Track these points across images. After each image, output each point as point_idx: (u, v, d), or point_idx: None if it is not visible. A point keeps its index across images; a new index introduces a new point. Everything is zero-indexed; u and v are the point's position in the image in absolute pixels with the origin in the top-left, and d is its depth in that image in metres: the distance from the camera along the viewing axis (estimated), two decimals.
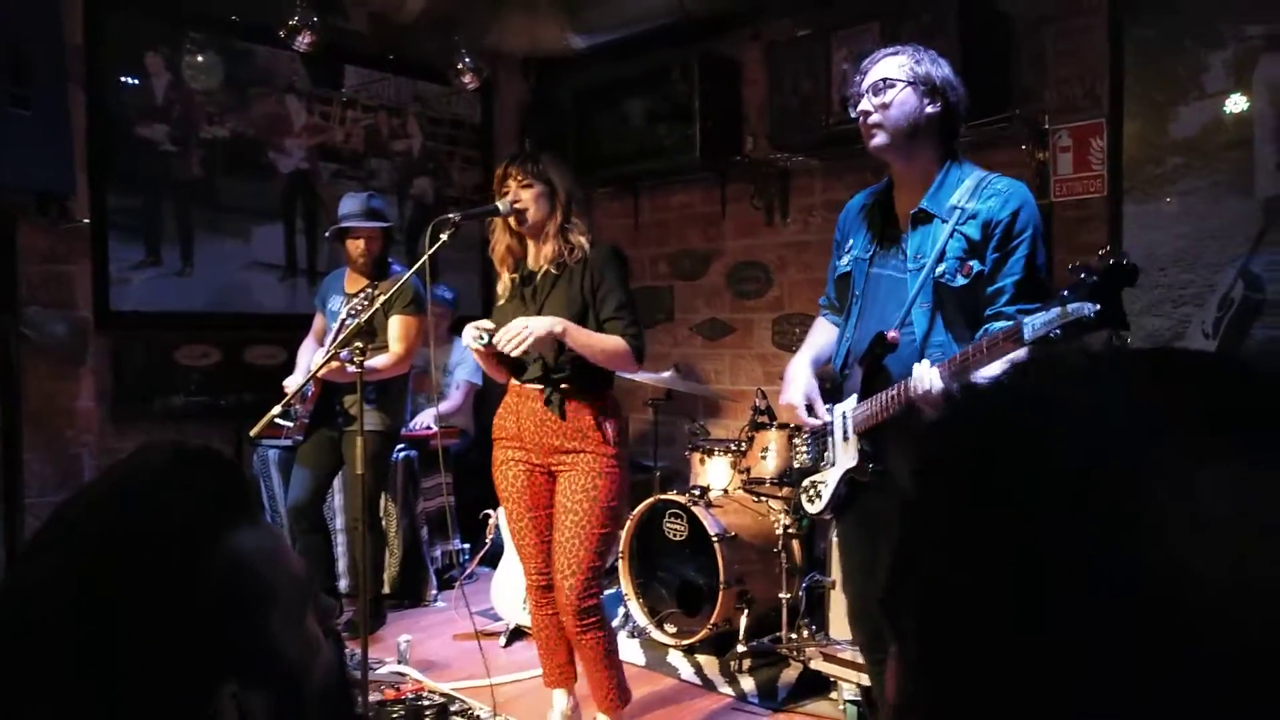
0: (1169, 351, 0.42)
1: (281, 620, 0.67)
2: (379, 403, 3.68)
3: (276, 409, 3.09)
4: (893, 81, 2.01)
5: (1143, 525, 0.34)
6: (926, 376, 1.89)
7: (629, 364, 2.57)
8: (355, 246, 3.68)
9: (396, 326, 3.59)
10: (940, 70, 2.04)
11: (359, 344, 2.83)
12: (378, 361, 3.48)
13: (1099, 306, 1.61)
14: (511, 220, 2.59)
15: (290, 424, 3.60)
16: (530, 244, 2.65)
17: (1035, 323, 1.69)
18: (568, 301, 2.54)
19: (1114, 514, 0.35)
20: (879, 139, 2.05)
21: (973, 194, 2.02)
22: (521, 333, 2.39)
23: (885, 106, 2.01)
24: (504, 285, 2.72)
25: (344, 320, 3.37)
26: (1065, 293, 1.65)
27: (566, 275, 2.57)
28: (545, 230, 2.57)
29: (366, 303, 3.26)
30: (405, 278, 3.06)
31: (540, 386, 2.60)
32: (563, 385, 2.57)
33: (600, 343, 2.51)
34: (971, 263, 2.00)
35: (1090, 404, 0.39)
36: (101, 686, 0.60)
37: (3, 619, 0.62)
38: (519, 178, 2.56)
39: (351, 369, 2.72)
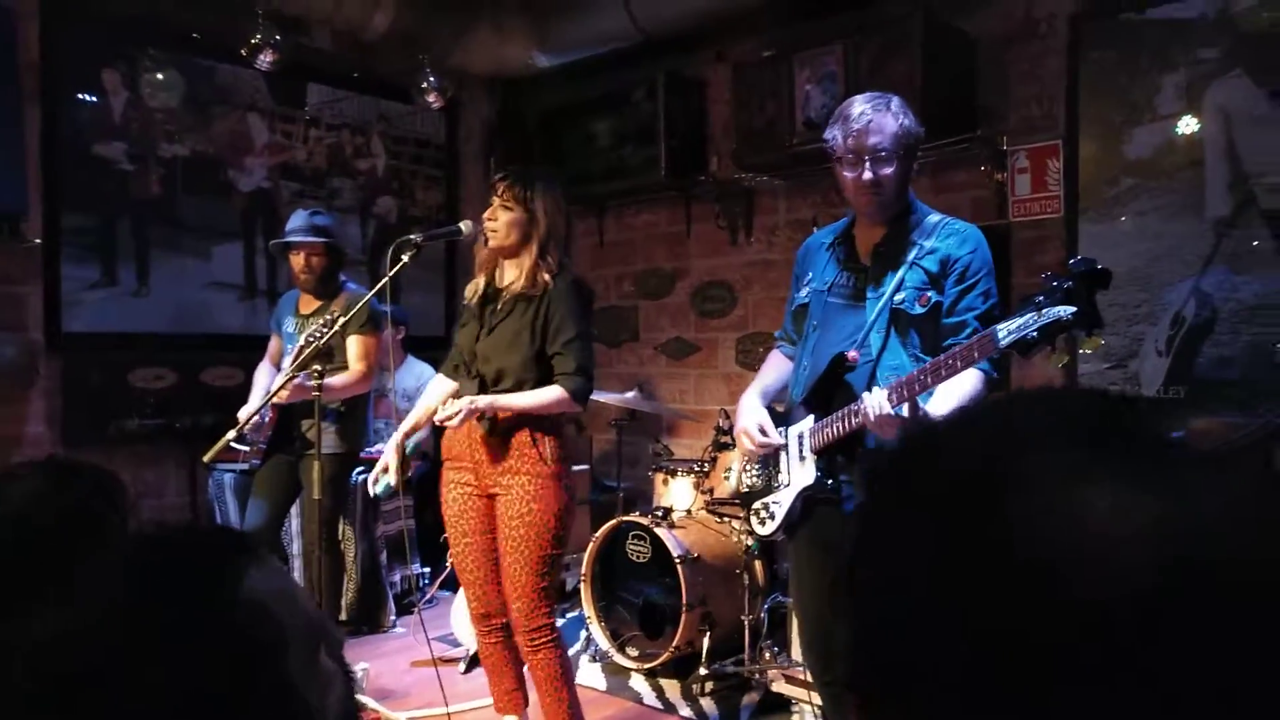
0: (1062, 390, 0.51)
1: (297, 660, 0.66)
2: (339, 425, 3.62)
3: (231, 434, 3.04)
4: (891, 155, 2.04)
5: (1012, 507, 0.42)
6: (877, 399, 1.93)
7: (569, 408, 2.53)
8: (296, 261, 3.61)
9: (355, 346, 3.55)
10: (916, 126, 2.09)
11: (316, 366, 2.80)
12: (337, 380, 3.43)
13: (1075, 309, 1.65)
14: (488, 238, 2.56)
15: (247, 448, 3.53)
16: (505, 263, 2.61)
17: (1010, 327, 1.72)
18: (513, 333, 2.52)
19: (993, 502, 0.42)
20: (875, 207, 2.11)
21: (931, 232, 2.11)
22: (459, 415, 2.41)
23: (888, 178, 2.05)
24: (471, 290, 2.68)
25: (302, 345, 3.32)
26: (1040, 298, 1.68)
27: (522, 306, 2.54)
28: (517, 256, 2.55)
29: (327, 329, 3.22)
30: (366, 298, 3.03)
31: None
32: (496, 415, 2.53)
33: (534, 400, 2.48)
34: (930, 293, 2.07)
35: (990, 423, 0.48)
36: None
37: (27, 668, 0.59)
38: (504, 198, 2.53)
39: (310, 384, 2.69)
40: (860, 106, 2.07)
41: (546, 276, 2.52)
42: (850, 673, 0.47)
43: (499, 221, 2.52)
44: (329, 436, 3.47)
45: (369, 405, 3.87)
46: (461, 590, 3.69)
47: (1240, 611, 0.38)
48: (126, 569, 0.63)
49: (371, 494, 2.71)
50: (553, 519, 2.50)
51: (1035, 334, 1.68)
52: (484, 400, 2.46)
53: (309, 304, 3.61)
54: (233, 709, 0.61)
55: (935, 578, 0.42)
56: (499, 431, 2.52)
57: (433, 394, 2.75)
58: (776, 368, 2.40)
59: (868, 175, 2.04)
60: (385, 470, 2.65)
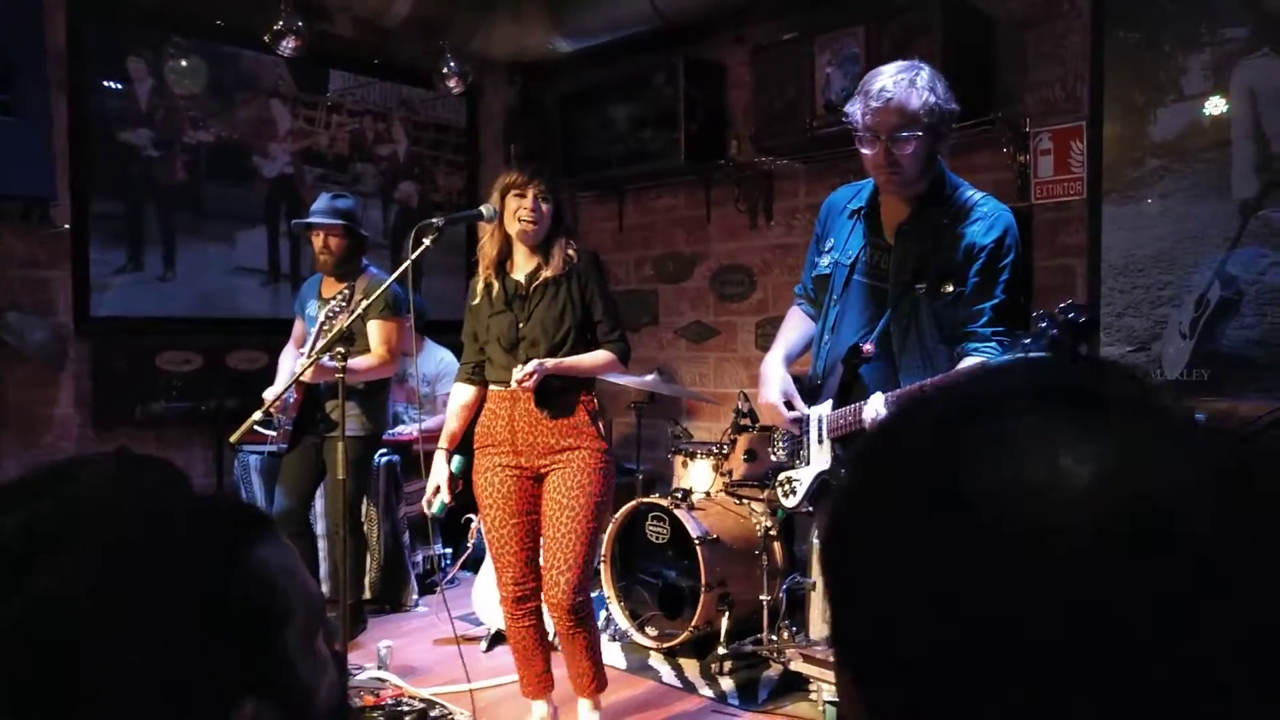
0: (1042, 359, 0.54)
1: (297, 639, 0.67)
2: (361, 407, 3.66)
3: (258, 414, 3.08)
4: (913, 134, 1.97)
5: (973, 458, 0.43)
6: (875, 406, 1.94)
7: (617, 369, 2.76)
8: (316, 242, 3.67)
9: (376, 331, 3.59)
10: (949, 99, 2.02)
11: (339, 349, 2.83)
12: (360, 362, 3.47)
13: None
14: (515, 228, 2.63)
15: (274, 432, 3.57)
16: (520, 253, 2.69)
17: None
18: (561, 311, 2.64)
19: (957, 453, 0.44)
20: (895, 186, 2.07)
21: (960, 214, 2.04)
22: (534, 376, 2.54)
23: (908, 157, 1.99)
24: (480, 286, 2.75)
25: (322, 324, 3.36)
26: (1028, 340, 1.70)
27: (553, 288, 2.65)
28: (549, 243, 2.66)
29: (344, 303, 3.27)
30: (388, 283, 3.06)
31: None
32: (554, 384, 2.62)
33: (589, 362, 2.67)
34: (952, 282, 2.02)
35: (947, 396, 0.49)
36: (123, 700, 0.59)
37: (28, 626, 0.60)
38: (539, 192, 2.63)
39: (333, 364, 2.74)
40: (883, 81, 1.99)
41: (572, 251, 2.70)
42: (836, 650, 0.49)
43: (543, 212, 2.63)
44: (352, 419, 3.51)
45: (390, 388, 3.91)
46: (484, 570, 3.75)
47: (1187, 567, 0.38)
48: (131, 536, 0.64)
49: (429, 515, 2.84)
50: (605, 493, 2.66)
51: None
52: (551, 362, 2.59)
53: (331, 287, 3.65)
54: (228, 673, 0.62)
55: (896, 551, 0.43)
56: (558, 410, 2.62)
57: (454, 404, 2.82)
58: (798, 326, 2.37)
59: (885, 154, 2.00)
60: (437, 491, 2.75)
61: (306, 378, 3.19)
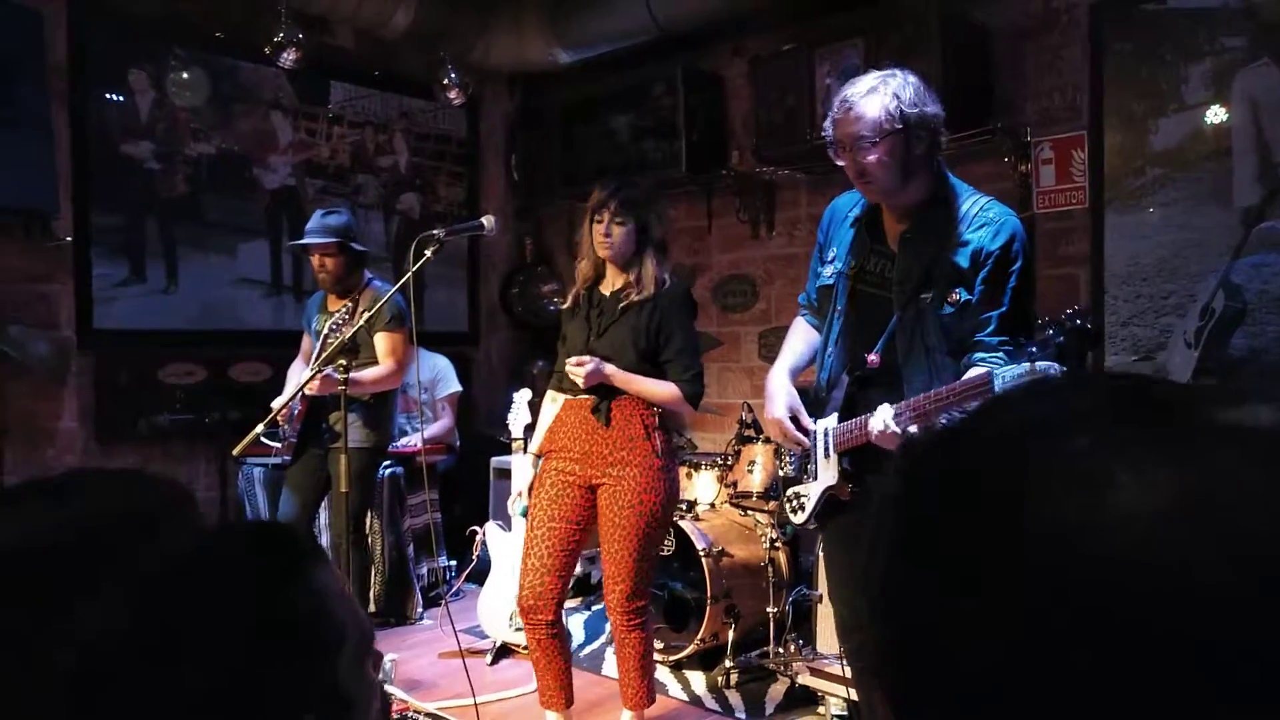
0: (1098, 373, 0.51)
1: (350, 662, 0.67)
2: (365, 419, 3.65)
3: (260, 426, 3.08)
4: (874, 139, 1.93)
5: (1050, 491, 0.40)
6: (878, 419, 1.92)
7: (680, 406, 2.72)
8: (314, 261, 3.62)
9: (383, 343, 3.57)
10: (924, 103, 1.97)
11: (341, 361, 2.83)
12: (366, 374, 3.46)
13: (1063, 370, 1.68)
14: (597, 249, 2.69)
15: (278, 444, 3.57)
16: (611, 270, 2.75)
17: (1006, 376, 1.76)
18: (629, 334, 2.66)
19: (1035, 482, 0.41)
20: (874, 195, 2.06)
21: (964, 221, 2.00)
22: (588, 366, 2.60)
23: (874, 165, 1.95)
24: (572, 299, 2.83)
25: (325, 338, 3.35)
26: (1034, 349, 1.70)
27: (634, 309, 2.68)
28: (636, 263, 2.68)
29: (347, 316, 3.26)
30: (390, 294, 3.06)
31: (591, 396, 2.69)
32: (615, 395, 2.66)
33: (651, 387, 2.66)
34: (958, 290, 1.98)
35: (1025, 408, 0.47)
36: None
37: (83, 671, 0.60)
38: (616, 214, 2.65)
39: (336, 376, 2.74)
40: (847, 91, 1.98)
41: (651, 277, 2.68)
42: (884, 676, 0.47)
43: (616, 234, 2.65)
44: (356, 430, 3.50)
45: (395, 400, 3.90)
46: (489, 582, 3.74)
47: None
48: (187, 561, 0.64)
49: (514, 515, 2.91)
50: (660, 508, 2.66)
51: None
52: (610, 368, 2.62)
53: (335, 302, 3.64)
54: (287, 697, 0.62)
55: (966, 574, 0.41)
56: (613, 422, 2.65)
57: (547, 412, 2.86)
58: (803, 338, 2.34)
59: (853, 163, 1.97)
60: (520, 495, 2.85)
61: (311, 390, 3.19)
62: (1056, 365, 1.67)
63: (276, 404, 3.39)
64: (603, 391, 2.66)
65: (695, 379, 2.68)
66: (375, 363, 3.56)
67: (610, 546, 2.65)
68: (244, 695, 0.60)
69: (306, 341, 3.82)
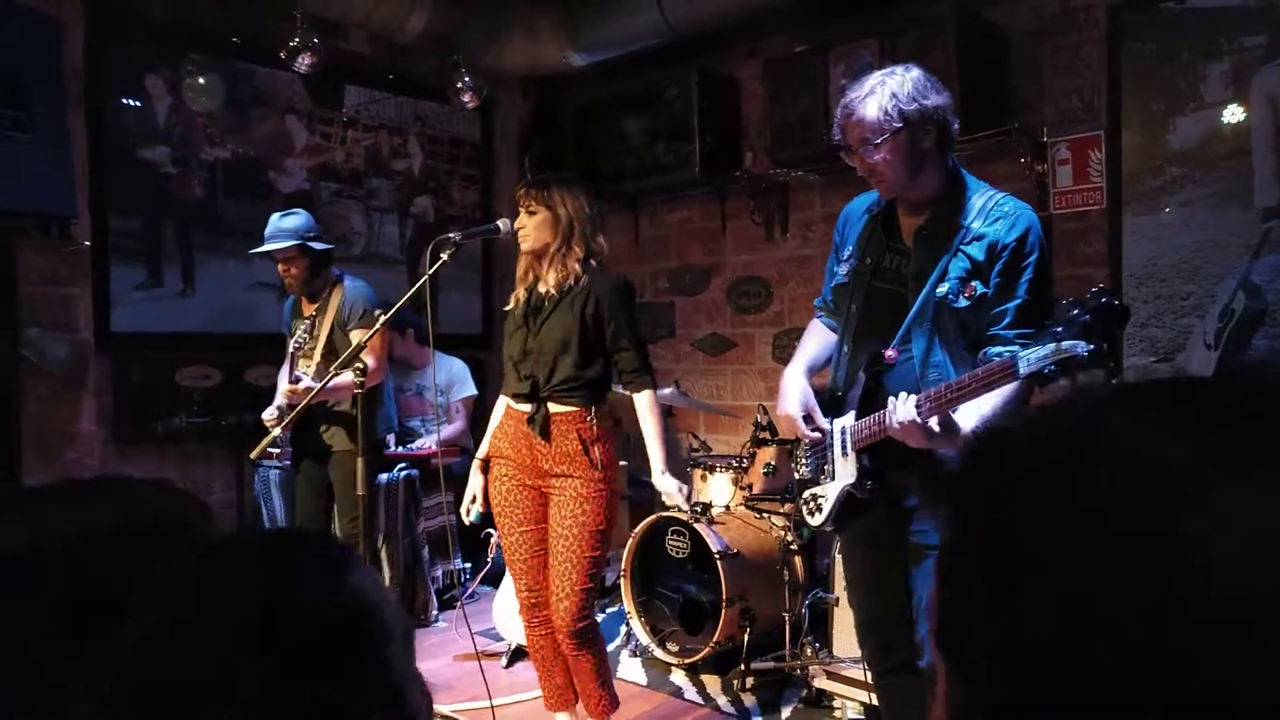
0: (1188, 384, 0.46)
1: (400, 660, 0.68)
2: (356, 422, 3.62)
3: (276, 429, 3.10)
4: (877, 140, 1.95)
5: (1171, 547, 0.38)
6: (902, 409, 1.89)
7: (658, 407, 2.68)
8: (280, 268, 3.51)
9: (358, 341, 3.51)
10: (924, 96, 1.97)
11: (308, 365, 2.82)
12: (349, 376, 3.42)
13: (1091, 346, 1.62)
14: (519, 243, 2.63)
15: (278, 450, 3.56)
16: (541, 266, 2.67)
17: (1030, 358, 1.69)
18: (562, 327, 2.57)
19: (1152, 536, 0.39)
20: (886, 193, 2.07)
21: (979, 214, 2.00)
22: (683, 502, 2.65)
23: (881, 165, 1.97)
24: (514, 301, 2.74)
25: (292, 352, 3.32)
26: (1059, 329, 1.66)
27: (566, 302, 2.58)
28: (550, 255, 2.60)
29: (310, 330, 3.26)
30: (405, 299, 3.05)
31: (526, 407, 2.62)
32: (549, 406, 2.58)
33: (655, 432, 2.65)
34: (974, 284, 1.97)
35: (1132, 438, 0.43)
36: None
37: (139, 666, 0.60)
38: (525, 203, 2.62)
39: (350, 380, 2.74)
40: (850, 94, 2.00)
41: (577, 266, 2.58)
42: (981, 688, 0.45)
43: (526, 225, 2.61)
44: (344, 434, 3.51)
45: (384, 397, 3.84)
46: (504, 585, 3.74)
47: None
48: (233, 564, 0.65)
49: (467, 522, 2.83)
50: (603, 520, 2.58)
51: (1053, 367, 1.65)
52: (674, 485, 2.62)
53: (308, 306, 3.58)
54: (347, 692, 0.63)
55: (1112, 603, 0.39)
56: (551, 436, 2.58)
57: (495, 416, 2.81)
58: (820, 339, 2.33)
59: (863, 164, 1.99)
60: (474, 500, 2.76)
61: (291, 397, 3.20)
62: (1084, 344, 1.61)
63: (268, 414, 3.39)
64: (538, 403, 2.58)
65: (645, 370, 2.63)
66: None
67: (555, 559, 2.57)
68: (298, 694, 0.60)
69: (291, 345, 3.79)
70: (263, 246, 3.49)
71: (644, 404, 2.63)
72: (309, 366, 3.41)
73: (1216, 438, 0.41)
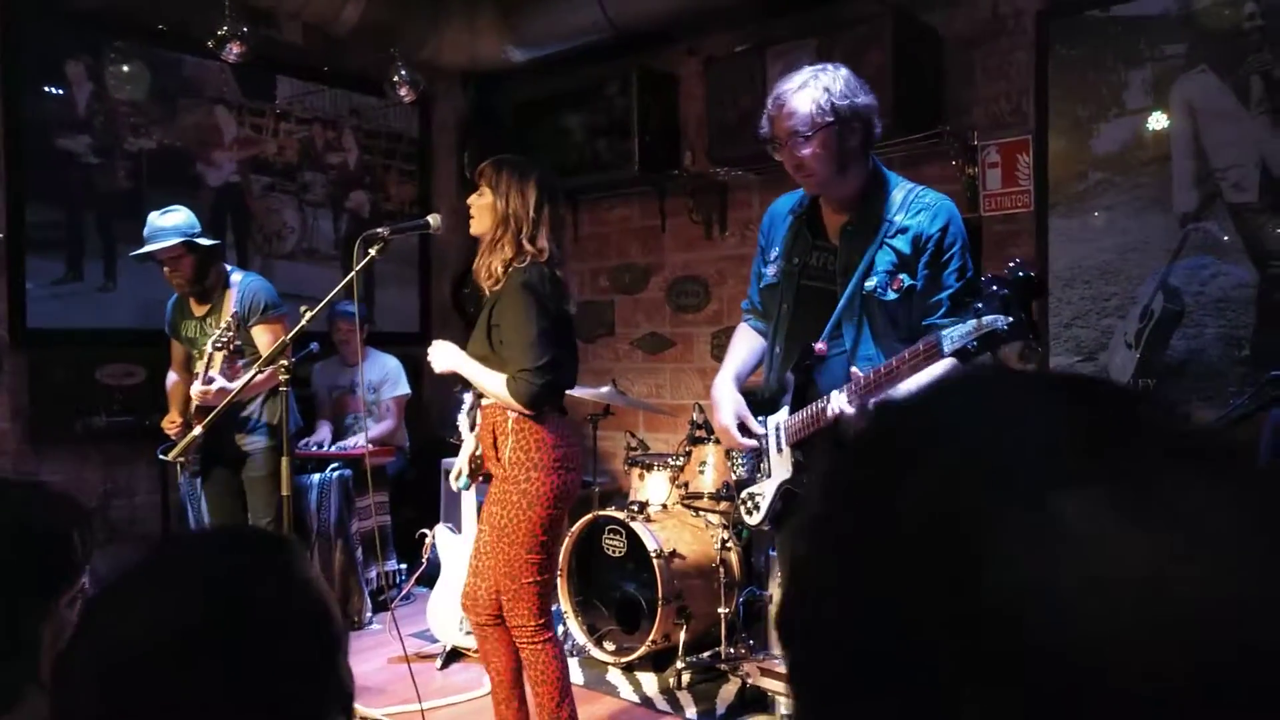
0: (1063, 379, 0.44)
1: (343, 654, 0.69)
2: (265, 418, 3.53)
3: (199, 429, 3.00)
4: (808, 133, 1.98)
5: (997, 538, 0.36)
6: (837, 401, 1.92)
7: (515, 404, 2.38)
8: (165, 270, 3.35)
9: (265, 335, 3.37)
10: (855, 94, 2.00)
11: (284, 362, 2.74)
12: (261, 376, 3.32)
13: (1010, 319, 1.64)
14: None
15: (184, 458, 3.45)
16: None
17: (953, 335, 1.71)
18: (478, 340, 2.47)
19: (979, 530, 0.37)
20: (813, 188, 2.08)
21: (900, 207, 2.04)
22: (432, 348, 2.52)
23: (810, 159, 2.00)
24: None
25: (210, 353, 3.20)
26: (979, 305, 1.68)
27: (486, 307, 2.46)
28: (484, 246, 2.47)
29: (232, 325, 3.19)
30: (334, 293, 2.98)
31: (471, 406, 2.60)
32: (482, 403, 2.54)
33: (486, 379, 2.41)
34: (902, 276, 2.01)
35: (975, 433, 0.41)
36: None
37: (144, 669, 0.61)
38: (478, 181, 2.50)
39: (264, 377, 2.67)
40: (781, 87, 2.02)
41: (500, 267, 2.41)
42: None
43: (474, 207, 2.49)
44: (259, 436, 3.45)
45: (290, 393, 3.75)
46: (439, 586, 3.69)
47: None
48: (209, 563, 0.66)
49: (455, 489, 2.75)
50: (539, 509, 2.40)
51: (975, 344, 1.68)
52: (456, 356, 2.48)
53: (198, 307, 3.45)
54: (315, 693, 0.64)
55: (893, 613, 0.38)
56: (480, 426, 2.54)
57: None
58: (748, 344, 2.35)
59: (790, 157, 2.02)
60: (462, 471, 2.66)
61: (204, 400, 3.13)
62: (1003, 318, 1.64)
63: (166, 422, 3.29)
64: (476, 400, 2.50)
65: (525, 376, 2.33)
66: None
67: (492, 550, 2.47)
68: (264, 695, 0.62)
69: (177, 349, 3.63)
70: (144, 248, 3.31)
71: (499, 381, 2.38)
72: (214, 368, 3.24)
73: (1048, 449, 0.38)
